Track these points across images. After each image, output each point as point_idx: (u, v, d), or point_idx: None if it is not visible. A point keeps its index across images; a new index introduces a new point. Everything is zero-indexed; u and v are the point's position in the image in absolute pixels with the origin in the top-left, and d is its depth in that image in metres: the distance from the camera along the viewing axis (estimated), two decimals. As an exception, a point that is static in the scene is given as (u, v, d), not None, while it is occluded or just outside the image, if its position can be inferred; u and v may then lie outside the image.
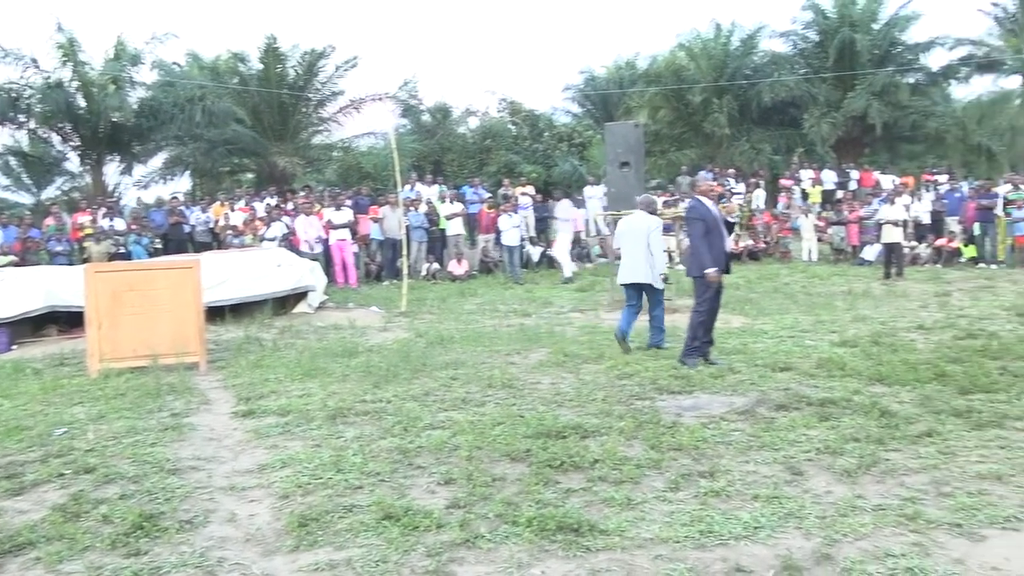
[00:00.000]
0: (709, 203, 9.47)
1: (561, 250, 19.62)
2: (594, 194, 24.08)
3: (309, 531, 4.89)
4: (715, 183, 23.29)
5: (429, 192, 22.86)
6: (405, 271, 16.40)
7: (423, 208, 20.80)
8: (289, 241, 18.35)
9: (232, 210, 20.99)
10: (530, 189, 25.26)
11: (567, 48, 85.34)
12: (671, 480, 5.58)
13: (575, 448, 6.19)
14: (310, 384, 8.81)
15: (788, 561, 4.35)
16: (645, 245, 10.11)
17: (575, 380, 8.71)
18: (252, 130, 29.55)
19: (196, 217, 20.76)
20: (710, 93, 31.61)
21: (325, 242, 18.78)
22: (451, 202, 21.52)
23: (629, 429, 6.71)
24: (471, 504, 5.22)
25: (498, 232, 20.09)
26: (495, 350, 10.54)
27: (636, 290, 10.34)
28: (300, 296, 14.64)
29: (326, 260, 18.36)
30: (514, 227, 19.46)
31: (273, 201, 22.03)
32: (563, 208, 20.70)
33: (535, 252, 21.75)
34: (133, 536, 4.88)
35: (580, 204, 22.57)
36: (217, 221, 20.60)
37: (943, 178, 25.02)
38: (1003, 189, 20.62)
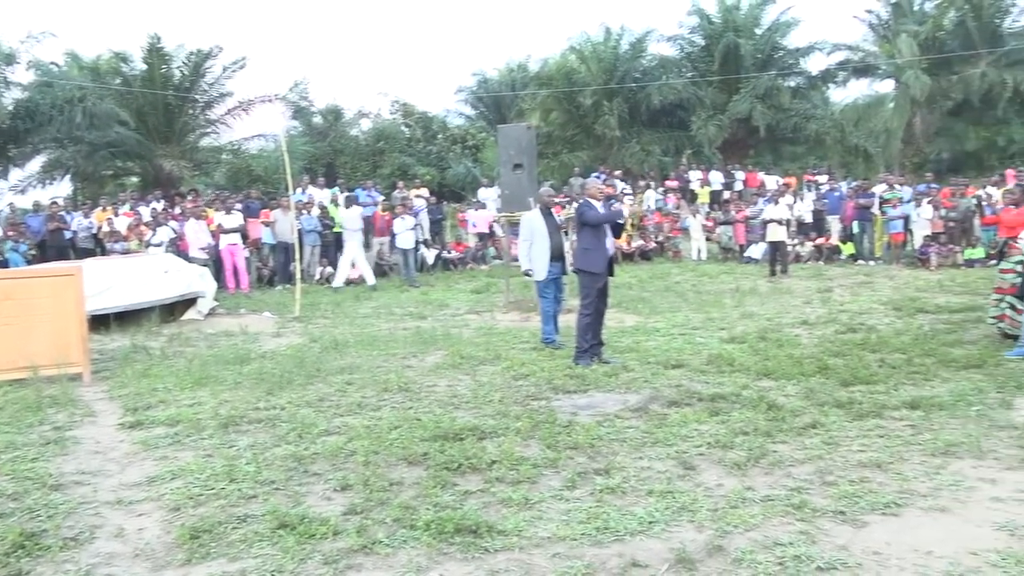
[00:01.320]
0: (598, 205, 9.66)
1: (359, 259, 18.89)
2: (488, 196, 24.19)
3: (201, 543, 4.77)
4: (605, 185, 23.67)
5: (322, 195, 22.57)
6: (298, 275, 16.14)
7: (316, 211, 20.51)
8: (177, 246, 17.85)
9: (116, 215, 20.32)
10: (424, 191, 25.20)
11: (459, 50, 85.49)
12: (567, 478, 5.64)
13: (472, 450, 6.20)
14: (201, 393, 8.59)
15: (681, 554, 4.44)
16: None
17: (472, 382, 8.72)
18: (136, 132, 28.65)
19: (78, 223, 20.01)
20: (601, 96, 32.06)
21: (215, 247, 18.33)
22: (348, 205, 21.24)
23: (526, 429, 6.76)
24: (368, 510, 5.18)
25: (393, 235, 19.96)
26: (391, 354, 10.47)
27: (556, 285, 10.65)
28: (189, 303, 14.28)
29: (216, 265, 17.93)
30: (409, 230, 19.36)
31: (159, 205, 21.42)
32: (351, 217, 19.15)
33: (430, 255, 21.70)
34: (14, 556, 4.67)
35: (414, 211, 22.04)
36: (100, 227, 19.89)
37: (823, 178, 25.99)
38: (879, 189, 21.52)
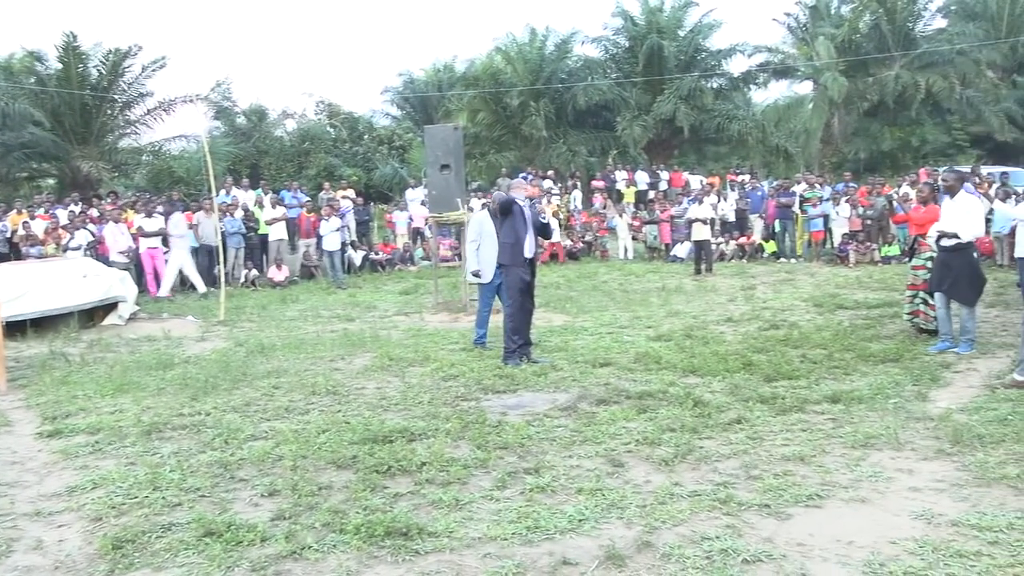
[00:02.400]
0: (524, 204, 9.75)
1: (187, 266, 18.14)
2: (415, 197, 24.10)
3: (124, 554, 4.66)
4: (531, 185, 23.73)
5: (246, 197, 22.23)
6: (222, 279, 15.88)
7: (240, 213, 20.19)
8: (96, 250, 17.40)
9: (32, 218, 19.68)
10: (351, 192, 25.00)
11: (385, 50, 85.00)
12: (498, 479, 5.65)
13: (402, 452, 6.18)
14: (122, 400, 8.39)
15: (611, 551, 4.49)
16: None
17: (401, 384, 8.69)
18: (52, 133, 27.76)
19: (-9, 227, 19.36)
20: (527, 96, 32.18)
21: (136, 250, 17.91)
22: (273, 207, 20.97)
23: (455, 430, 6.76)
24: (297, 515, 5.12)
25: (319, 237, 19.76)
26: (318, 356, 10.37)
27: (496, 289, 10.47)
28: (109, 308, 13.93)
29: (137, 269, 17.53)
30: (335, 231, 19.18)
31: (77, 208, 20.82)
32: (176, 223, 18.10)
33: (357, 256, 21.54)
34: (-75, 572, 4.52)
35: (340, 213, 21.51)
36: (15, 231, 19.26)
37: (746, 178, 26.42)
38: (799, 188, 21.98)
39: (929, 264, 10.01)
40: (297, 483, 5.60)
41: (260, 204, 21.49)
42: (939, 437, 6.26)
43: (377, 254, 22.15)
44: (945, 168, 16.41)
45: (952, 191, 9.54)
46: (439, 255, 18.71)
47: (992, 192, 17.76)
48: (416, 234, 23.50)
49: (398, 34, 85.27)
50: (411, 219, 23.82)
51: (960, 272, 9.30)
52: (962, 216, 9.31)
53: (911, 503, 5.07)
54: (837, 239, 20.49)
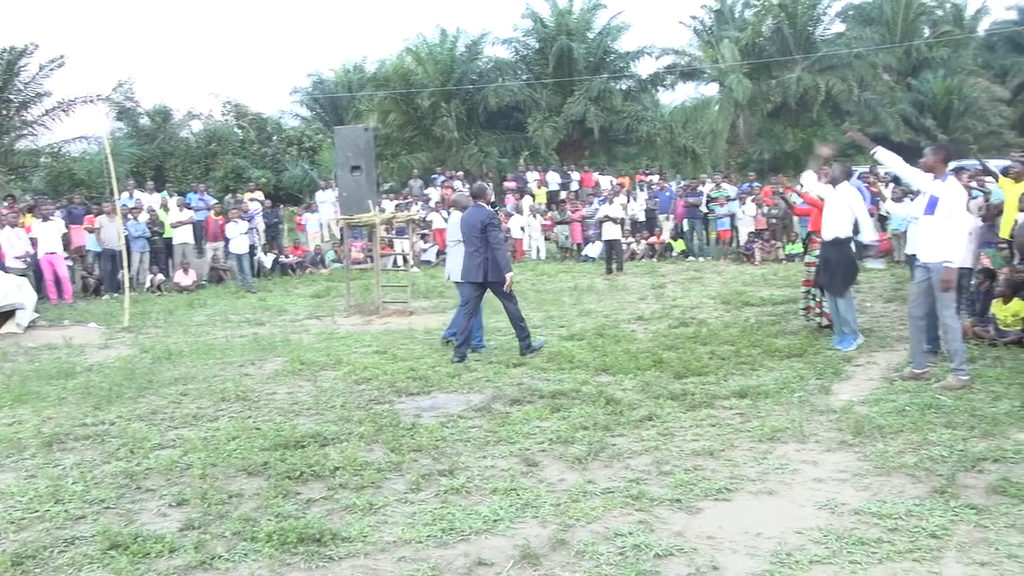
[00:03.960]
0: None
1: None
2: (326, 199, 23.84)
3: (24, 570, 4.51)
4: (443, 187, 23.71)
5: (150, 199, 21.67)
6: (127, 284, 15.44)
7: (144, 216, 19.68)
8: (-9, 256, 16.73)
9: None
10: (259, 195, 24.60)
11: (293, 50, 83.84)
12: (412, 481, 5.63)
13: (315, 457, 6.11)
14: (21, 410, 8.11)
15: (526, 550, 4.51)
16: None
17: (313, 388, 8.59)
18: (-58, 135, 26.70)
19: None
20: (438, 97, 32.10)
21: (34, 256, 17.29)
22: (180, 209, 20.47)
23: (369, 434, 6.72)
24: (206, 524, 5.02)
25: (227, 240, 19.38)
26: (228, 362, 10.18)
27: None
28: (7, 315, 13.44)
29: (36, 275, 16.93)
30: (243, 234, 18.83)
31: (-29, 213, 20.01)
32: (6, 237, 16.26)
33: (267, 259, 21.20)
34: None
35: (249, 215, 21.14)
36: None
37: (655, 178, 26.82)
38: (707, 188, 22.43)
39: (819, 261, 10.31)
40: (206, 492, 5.49)
41: (165, 207, 20.98)
42: (841, 429, 6.46)
43: (287, 257, 21.85)
44: (836, 161, 16.90)
45: (835, 182, 9.75)
46: (351, 257, 18.55)
47: (887, 192, 18.35)
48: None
49: (307, 34, 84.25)
50: (320, 224, 23.60)
51: (836, 265, 9.60)
52: (841, 210, 9.57)
53: (815, 494, 5.23)
54: (743, 238, 20.95)
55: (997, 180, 11.55)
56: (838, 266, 9.59)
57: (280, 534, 4.74)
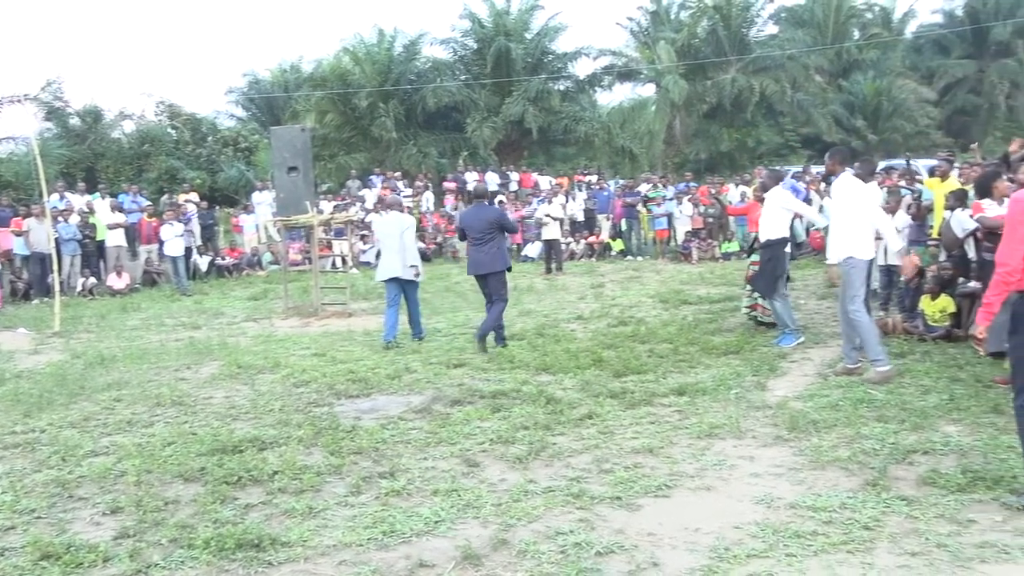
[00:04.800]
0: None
1: None
2: (263, 200, 23.56)
3: (-49, 583, 4.39)
4: (383, 187, 23.56)
5: (82, 201, 21.19)
6: (57, 288, 15.08)
7: (75, 219, 19.24)
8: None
9: None
10: (194, 196, 24.22)
11: (228, 50, 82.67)
12: (352, 484, 5.60)
13: (253, 461, 6.03)
14: (-53, 419, 7.88)
15: (468, 551, 4.51)
16: (400, 242, 10.67)
17: (250, 391, 8.48)
18: None
19: None
20: (376, 97, 31.92)
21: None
22: (112, 211, 20.04)
23: (308, 437, 6.66)
24: (142, 532, 4.93)
25: (161, 242, 19.03)
26: (163, 366, 10.01)
27: (397, 286, 10.76)
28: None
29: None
30: (178, 236, 18.53)
31: None
32: None
33: (203, 262, 20.88)
34: None
35: (184, 217, 21.00)
36: None
37: (593, 178, 27.01)
38: (644, 188, 22.64)
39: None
40: (141, 499, 5.39)
41: (91, 209, 20.49)
42: (777, 424, 6.57)
43: (224, 259, 21.54)
44: (766, 167, 17.23)
45: (766, 189, 10.09)
46: (289, 259, 18.36)
47: (821, 190, 18.70)
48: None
49: (242, 33, 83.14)
50: (257, 225, 23.32)
51: (763, 265, 9.86)
52: (773, 213, 9.88)
53: (752, 488, 5.31)
54: (680, 237, 21.19)
55: (921, 181, 11.86)
56: (765, 268, 9.86)
57: (218, 540, 4.68)
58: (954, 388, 7.36)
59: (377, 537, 4.75)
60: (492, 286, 10.27)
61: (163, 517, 5.14)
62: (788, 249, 10.16)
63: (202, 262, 20.86)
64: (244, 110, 39.82)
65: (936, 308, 9.61)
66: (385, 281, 10.94)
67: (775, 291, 9.88)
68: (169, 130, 33.61)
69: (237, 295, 17.43)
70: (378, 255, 11.31)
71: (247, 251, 22.42)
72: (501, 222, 10.47)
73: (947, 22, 43.70)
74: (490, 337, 10.14)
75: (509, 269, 10.50)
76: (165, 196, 23.62)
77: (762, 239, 9.90)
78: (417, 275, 10.89)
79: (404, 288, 10.83)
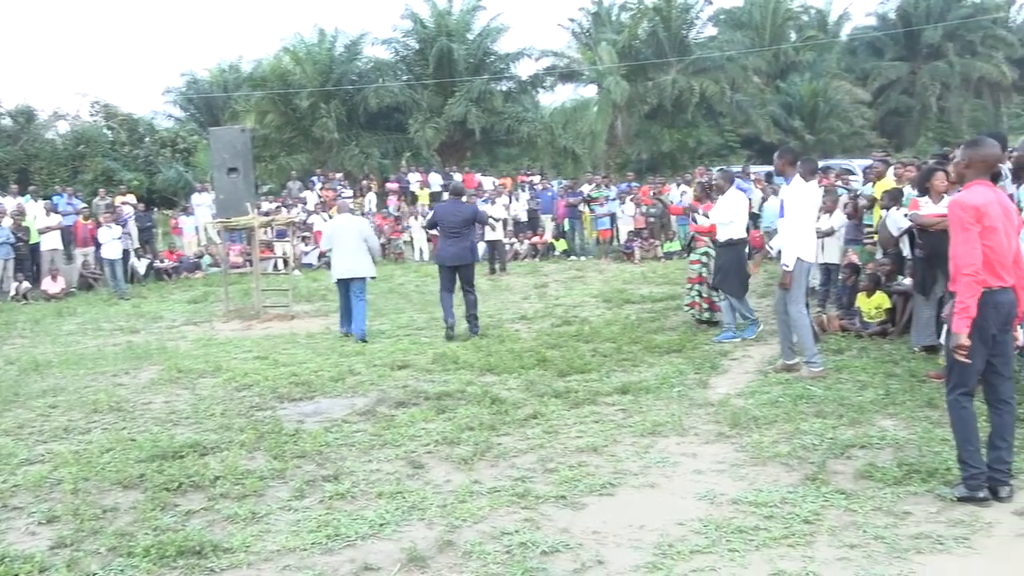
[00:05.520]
0: None
1: None
2: (202, 201, 23.24)
3: None
4: (324, 189, 23.37)
5: (14, 203, 20.65)
6: (-11, 292, 14.71)
7: (7, 221, 18.75)
8: None
9: None
10: (131, 198, 23.79)
11: (166, 49, 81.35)
12: (296, 488, 5.55)
13: (194, 467, 5.95)
14: None
15: (413, 553, 4.50)
16: (362, 243, 11.22)
17: (191, 396, 8.35)
18: None
19: None
20: (317, 98, 31.65)
21: None
22: (46, 214, 19.55)
23: (250, 441, 6.58)
24: (79, 541, 4.84)
25: (98, 245, 18.64)
26: (100, 372, 9.81)
27: (348, 286, 11.23)
28: None
29: None
30: (115, 239, 18.16)
31: None
32: None
33: (141, 265, 20.50)
34: None
35: (121, 219, 20.18)
36: None
37: (536, 179, 27.06)
38: (586, 188, 22.76)
39: (703, 259, 10.71)
40: (79, 507, 5.28)
41: (23, 212, 19.97)
42: (719, 421, 6.66)
43: (162, 262, 21.16)
44: (718, 168, 17.42)
45: (721, 190, 10.26)
46: (229, 261, 18.12)
47: (757, 190, 18.98)
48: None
49: (179, 32, 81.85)
50: (196, 227, 22.98)
51: (728, 266, 9.99)
52: (724, 213, 10.07)
53: (695, 485, 5.37)
54: (623, 236, 21.32)
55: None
56: (730, 268, 10.02)
57: (158, 548, 4.61)
58: (890, 383, 7.54)
59: (321, 541, 4.72)
60: (465, 276, 11.01)
61: (101, 526, 5.04)
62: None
63: (140, 265, 20.46)
64: (182, 110, 39.22)
65: (872, 305, 9.82)
66: (338, 281, 11.38)
67: (746, 290, 10.12)
68: (105, 131, 32.98)
69: (176, 298, 17.14)
70: (320, 257, 11.49)
71: (186, 254, 22.07)
72: (476, 217, 11.53)
73: (880, 25, 44.70)
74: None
75: (477, 261, 11.39)
76: (97, 197, 23.14)
77: (722, 239, 10.08)
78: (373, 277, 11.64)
79: (352, 287, 11.19)
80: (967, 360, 4.79)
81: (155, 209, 26.64)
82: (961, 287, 4.78)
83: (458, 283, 11.06)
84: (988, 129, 33.71)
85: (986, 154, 5.03)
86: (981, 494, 4.88)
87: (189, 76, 39.42)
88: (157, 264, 20.90)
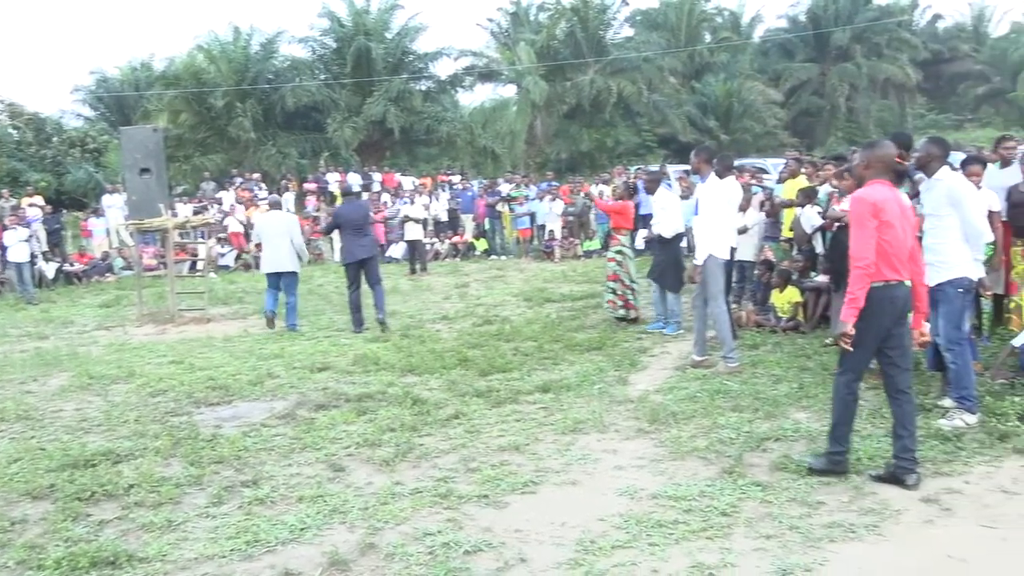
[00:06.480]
0: None
1: None
2: (114, 203, 22.67)
3: None
4: (241, 189, 22.98)
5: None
6: None
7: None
8: None
9: None
10: (38, 199, 23.07)
11: (74, 46, 79.03)
12: (214, 494, 5.45)
13: (107, 475, 5.80)
14: None
15: (335, 556, 4.47)
16: (288, 239, 11.90)
17: (103, 403, 8.14)
18: None
19: None
20: (233, 97, 31.11)
21: None
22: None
23: (166, 448, 6.44)
24: (-14, 554, 4.68)
25: (3, 248, 18.03)
26: (7, 379, 9.49)
27: (277, 278, 11.94)
28: None
29: None
30: (22, 241, 17.59)
31: None
32: None
33: (49, 268, 19.89)
34: None
35: (27, 222, 19.84)
36: None
37: (456, 178, 27.05)
38: (506, 188, 22.83)
39: (619, 256, 10.89)
40: (-15, 520, 5.11)
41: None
42: (639, 417, 6.75)
43: (72, 265, 20.58)
44: (637, 167, 17.65)
45: (651, 190, 10.49)
46: (143, 264, 17.70)
47: (677, 187, 19.25)
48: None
49: (88, 29, 79.60)
50: (107, 229, 22.41)
51: (665, 262, 10.19)
52: (661, 213, 10.28)
53: (616, 481, 5.43)
54: (558, 235, 21.32)
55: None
56: (668, 264, 10.28)
57: (70, 560, 4.48)
58: (803, 377, 7.73)
59: (240, 547, 4.65)
60: (372, 269, 11.54)
61: (10, 538, 4.89)
62: (684, 244, 10.61)
63: (48, 268, 19.87)
64: (92, 109, 38.12)
65: (784, 300, 10.06)
66: (268, 274, 12.09)
67: (682, 285, 10.36)
68: (10, 130, 31.95)
69: (87, 303, 16.68)
70: (236, 257, 11.59)
71: (97, 256, 21.50)
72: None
73: (791, 27, 45.80)
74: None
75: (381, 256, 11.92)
76: (2, 199, 22.39)
77: (668, 235, 10.30)
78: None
79: (283, 281, 11.95)
80: (849, 348, 5.03)
81: (64, 211, 25.89)
82: (853, 278, 5.02)
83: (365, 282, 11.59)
84: (895, 129, 34.85)
85: (883, 154, 5.27)
86: (839, 470, 5.25)
87: (99, 74, 38.37)
88: (67, 267, 20.32)
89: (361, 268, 11.50)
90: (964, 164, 7.50)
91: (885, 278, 5.03)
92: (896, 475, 5.10)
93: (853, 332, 4.99)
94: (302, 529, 4.86)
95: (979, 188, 7.17)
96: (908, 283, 5.15)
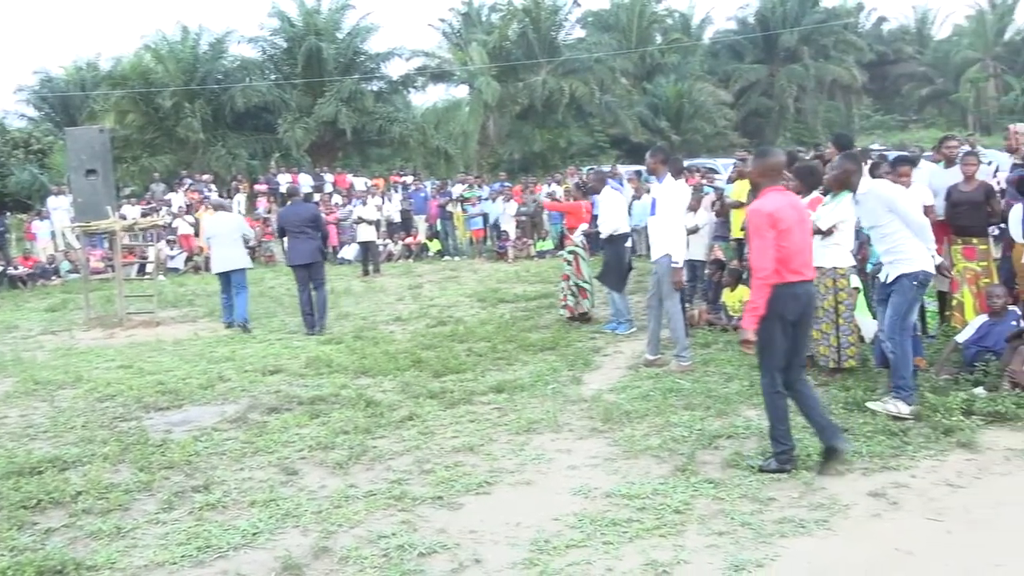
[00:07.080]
0: None
1: None
2: (59, 205, 22.27)
3: None
4: (189, 191, 22.68)
5: None
6: None
7: None
8: None
9: None
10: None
11: (16, 45, 77.46)
12: (164, 500, 5.38)
13: (53, 483, 5.70)
14: None
15: (288, 561, 4.43)
16: (238, 238, 12.25)
17: (49, 409, 7.99)
18: None
19: None
20: (181, 97, 30.74)
21: None
22: None
23: (114, 454, 6.35)
24: (-72, 566, 4.57)
25: (-56, 252, 17.66)
26: (-51, 386, 9.28)
27: (228, 277, 12.14)
28: None
29: None
30: (-36, 245, 17.24)
31: None
32: None
33: (-8, 272, 19.47)
34: None
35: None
36: None
37: (409, 179, 26.95)
38: (459, 188, 22.79)
39: (569, 256, 10.98)
40: (-74, 530, 4.99)
41: None
42: (592, 417, 6.78)
43: (16, 268, 20.15)
44: (588, 168, 17.72)
45: (596, 190, 10.53)
46: (90, 267, 17.40)
47: (630, 188, 19.35)
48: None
49: (32, 28, 78.06)
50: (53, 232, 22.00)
51: (609, 262, 10.28)
52: (603, 212, 10.32)
53: (570, 480, 5.46)
54: (513, 235, 21.30)
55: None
56: (610, 263, 10.35)
57: (15, 569, 4.40)
58: (754, 375, 7.71)
59: (192, 554, 4.59)
60: (317, 272, 11.61)
61: (-48, 548, 4.78)
62: (629, 244, 10.69)
63: (-11, 273, 19.46)
64: (36, 110, 37.44)
65: (735, 298, 10.15)
66: (218, 273, 12.34)
67: (625, 284, 10.44)
68: (-50, 132, 31.25)
69: (32, 307, 16.34)
70: (186, 260, 11.64)
71: (42, 259, 21.08)
72: (319, 218, 12.07)
73: (740, 29, 46.36)
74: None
75: (326, 260, 12.32)
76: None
77: (604, 234, 10.38)
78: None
79: (233, 279, 12.13)
80: (751, 353, 5.38)
81: (7, 213, 25.37)
82: (754, 288, 5.24)
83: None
84: (840, 129, 35.41)
85: (775, 163, 5.52)
86: (788, 467, 5.33)
87: (43, 74, 37.70)
88: (11, 271, 19.90)
89: (307, 270, 11.52)
90: (894, 164, 7.77)
91: (787, 280, 5.22)
92: (830, 449, 5.30)
93: (754, 339, 5.21)
94: (254, 534, 4.81)
95: (908, 188, 7.38)
96: (811, 282, 5.42)
